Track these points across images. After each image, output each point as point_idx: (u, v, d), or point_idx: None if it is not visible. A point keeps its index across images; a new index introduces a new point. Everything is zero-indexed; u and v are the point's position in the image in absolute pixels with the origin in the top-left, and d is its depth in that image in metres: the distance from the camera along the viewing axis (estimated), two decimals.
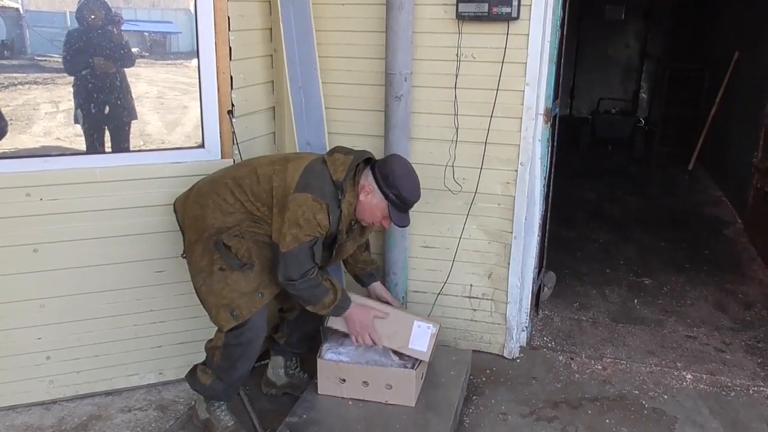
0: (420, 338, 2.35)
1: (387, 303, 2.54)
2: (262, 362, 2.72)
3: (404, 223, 2.29)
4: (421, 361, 2.40)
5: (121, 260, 2.58)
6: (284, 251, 2.12)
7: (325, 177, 2.16)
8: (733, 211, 5.28)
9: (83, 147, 2.65)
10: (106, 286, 2.58)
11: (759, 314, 3.55)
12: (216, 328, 2.30)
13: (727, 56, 5.91)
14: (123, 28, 2.67)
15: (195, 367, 2.41)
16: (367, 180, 2.22)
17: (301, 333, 2.64)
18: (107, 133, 2.72)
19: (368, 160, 2.28)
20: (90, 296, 2.58)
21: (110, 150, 2.69)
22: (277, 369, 2.70)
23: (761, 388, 2.84)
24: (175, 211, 2.38)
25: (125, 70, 2.69)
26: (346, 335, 2.43)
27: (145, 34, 2.86)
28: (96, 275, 2.56)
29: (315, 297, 2.24)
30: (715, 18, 6.82)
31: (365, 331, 2.35)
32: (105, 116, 2.67)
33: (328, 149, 2.85)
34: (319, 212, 2.11)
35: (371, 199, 2.22)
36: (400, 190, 2.20)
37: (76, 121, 2.65)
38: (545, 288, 3.55)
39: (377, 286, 2.61)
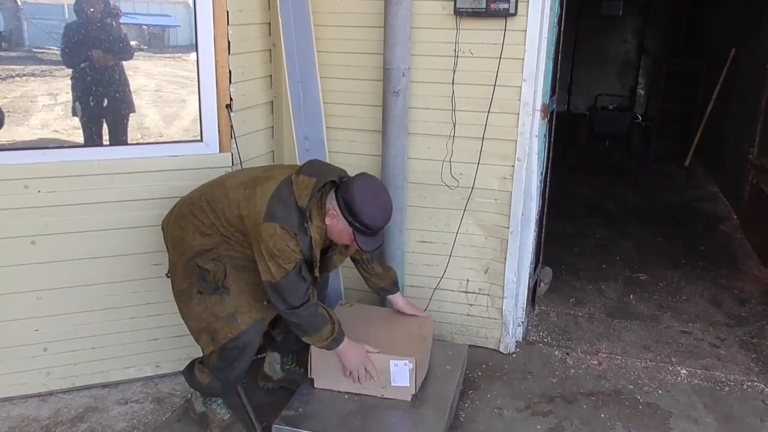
0: (400, 375, 2.34)
1: (412, 315, 2.59)
2: (259, 356, 2.73)
3: (373, 247, 2.21)
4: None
5: (119, 253, 2.58)
6: (275, 283, 2.11)
7: (290, 204, 2.10)
8: (729, 207, 5.30)
9: (81, 140, 2.65)
10: (103, 278, 2.59)
11: (754, 310, 3.57)
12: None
13: (724, 52, 5.92)
14: (121, 21, 2.67)
15: (192, 363, 2.41)
16: (332, 204, 2.14)
17: None
18: (105, 126, 2.72)
19: (334, 182, 2.19)
20: (87, 288, 2.58)
21: (108, 143, 2.69)
22: (273, 364, 2.70)
23: (755, 383, 2.86)
24: (162, 229, 2.37)
25: (123, 63, 2.69)
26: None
27: (143, 27, 2.85)
28: (93, 267, 2.57)
29: (315, 327, 2.20)
30: (712, 14, 6.82)
31: (362, 365, 2.30)
32: (103, 109, 2.67)
33: (325, 144, 2.87)
34: (290, 240, 2.08)
35: (337, 224, 2.14)
36: (363, 217, 2.09)
37: (74, 114, 2.64)
38: (541, 283, 3.57)
39: (397, 299, 2.61)
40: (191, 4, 2.52)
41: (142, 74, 2.84)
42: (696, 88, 6.72)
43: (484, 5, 2.55)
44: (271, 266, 2.09)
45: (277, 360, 2.70)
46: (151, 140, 2.75)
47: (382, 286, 2.57)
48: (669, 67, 6.96)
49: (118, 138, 2.73)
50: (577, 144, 7.41)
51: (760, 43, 4.90)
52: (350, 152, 2.93)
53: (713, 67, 6.29)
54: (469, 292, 2.98)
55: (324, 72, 2.83)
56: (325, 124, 2.85)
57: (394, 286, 2.60)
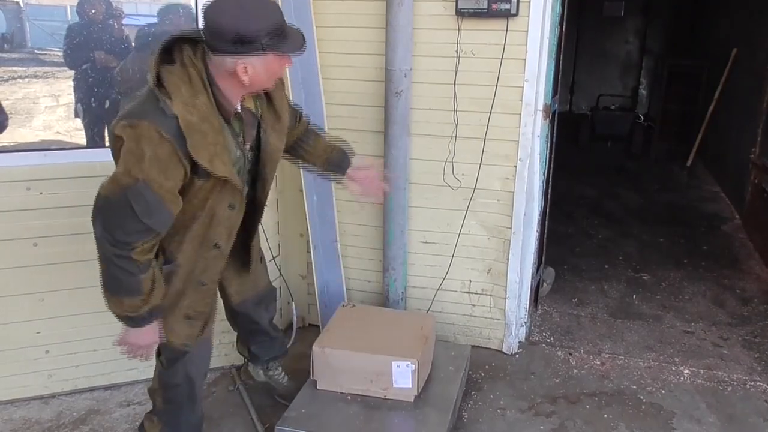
0: (402, 376, 2.33)
1: (368, 178, 2.21)
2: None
3: (297, 45, 1.70)
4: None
5: None
6: (102, 195, 1.67)
7: (139, 100, 1.65)
8: (731, 207, 5.29)
9: (83, 141, 2.66)
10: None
11: (756, 309, 3.56)
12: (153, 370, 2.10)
13: (726, 52, 5.91)
14: (124, 22, 2.67)
15: (142, 421, 2.21)
16: (225, 60, 1.62)
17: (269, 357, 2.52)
18: (107, 128, 2.72)
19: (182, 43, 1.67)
20: (89, 290, 2.55)
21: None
22: (256, 369, 2.59)
23: (758, 383, 2.86)
24: None
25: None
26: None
27: (146, 28, 2.85)
28: (95, 269, 2.51)
29: (120, 287, 1.72)
30: (714, 14, 6.82)
31: (146, 349, 1.86)
32: (105, 110, 2.67)
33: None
34: (142, 136, 1.59)
35: (255, 69, 1.65)
36: (263, 33, 1.60)
37: (76, 115, 2.65)
38: (544, 283, 3.56)
39: (353, 172, 2.21)
40: (193, 5, 2.52)
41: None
42: (698, 88, 6.71)
43: (485, 6, 2.55)
44: (114, 173, 1.62)
45: (258, 366, 2.58)
46: None
47: (332, 158, 2.18)
48: (671, 68, 6.95)
49: None
50: (579, 144, 7.41)
51: (761, 44, 4.90)
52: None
53: (715, 67, 6.28)
54: (472, 293, 2.98)
55: (326, 73, 2.83)
56: (327, 124, 2.85)
57: (346, 155, 2.20)
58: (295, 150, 2.18)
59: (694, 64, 6.83)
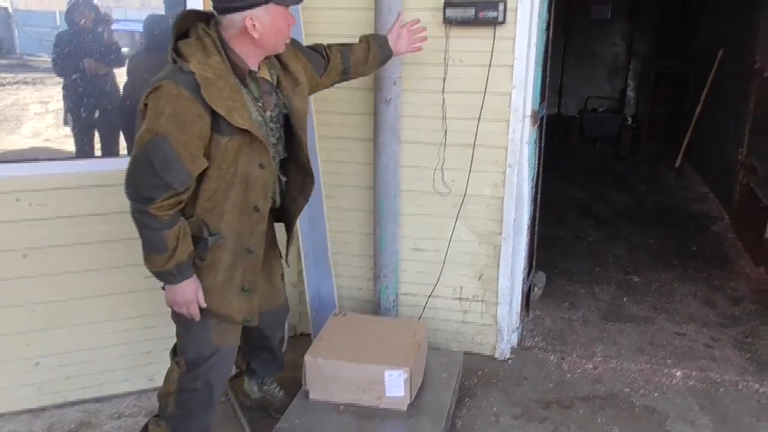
0: (395, 385, 2.33)
1: (400, 34, 2.40)
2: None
3: None
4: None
5: (111, 265, 2.56)
6: (135, 147, 1.77)
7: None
8: (719, 207, 5.34)
9: (72, 149, 2.64)
10: (96, 291, 2.57)
11: (746, 309, 3.59)
12: (165, 372, 2.15)
13: (712, 54, 5.97)
14: (113, 27, 2.65)
15: (146, 424, 2.22)
16: (232, 18, 1.76)
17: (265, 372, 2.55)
18: (97, 137, 2.71)
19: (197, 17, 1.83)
20: (80, 302, 2.57)
21: (100, 154, 2.68)
22: (251, 384, 2.58)
23: (750, 383, 2.88)
24: None
25: (115, 70, 2.67)
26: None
27: (135, 34, 2.84)
28: (86, 280, 2.55)
29: (149, 245, 1.82)
30: (700, 16, 6.88)
31: (186, 305, 1.93)
32: (95, 120, 2.66)
33: (317, 152, 2.87)
34: (162, 93, 1.71)
35: (263, 24, 1.78)
36: None
37: (66, 123, 2.63)
38: (535, 288, 3.58)
39: (391, 39, 2.39)
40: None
41: None
42: (685, 90, 6.77)
43: (473, 14, 2.56)
44: (139, 133, 1.72)
45: (253, 380, 2.58)
46: None
47: (377, 59, 2.36)
48: (658, 70, 7.01)
49: (110, 149, 2.72)
50: (569, 146, 7.45)
51: (746, 45, 4.95)
52: (342, 160, 2.93)
53: (701, 68, 6.34)
54: (464, 299, 2.99)
55: None
56: (317, 132, 2.85)
57: (384, 44, 2.37)
58: (346, 76, 2.31)
59: (680, 66, 6.89)
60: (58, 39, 2.57)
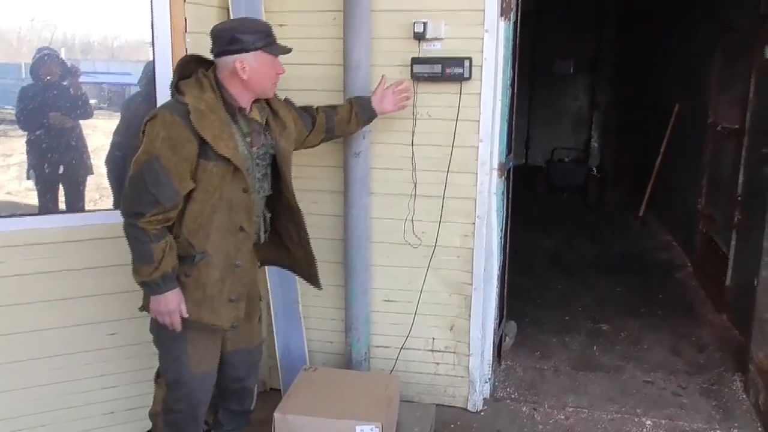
0: None
1: (385, 95, 2.56)
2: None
3: (285, 50, 2.10)
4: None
5: (73, 323, 2.50)
6: (131, 169, 1.96)
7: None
8: (683, 255, 5.46)
9: (35, 203, 2.59)
10: (57, 350, 2.49)
11: (711, 357, 3.64)
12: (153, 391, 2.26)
13: (670, 107, 6.22)
14: (81, 80, 2.65)
15: None
16: (225, 60, 2.01)
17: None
18: (61, 191, 2.67)
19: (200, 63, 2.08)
20: (39, 362, 2.48)
21: (64, 209, 2.64)
22: None
23: (718, 431, 2.89)
24: None
25: (82, 122, 2.65)
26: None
27: (103, 86, 2.84)
28: (46, 339, 2.47)
29: (138, 256, 1.98)
30: (658, 70, 7.20)
31: (169, 314, 2.04)
32: (59, 175, 2.63)
33: None
34: (158, 121, 1.95)
35: (252, 68, 2.01)
36: (252, 31, 2.03)
37: (29, 177, 2.59)
38: (506, 338, 3.58)
39: (376, 105, 2.55)
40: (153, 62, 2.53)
41: (101, 133, 2.80)
42: (646, 141, 7.01)
43: (440, 71, 2.65)
44: (135, 156, 1.93)
45: None
46: (109, 206, 2.71)
47: (353, 115, 2.51)
48: (620, 122, 7.26)
49: (75, 204, 2.69)
50: (537, 196, 7.60)
51: (700, 100, 5.18)
52: (313, 213, 2.93)
53: (661, 120, 6.59)
54: (436, 351, 2.97)
55: None
56: None
57: (367, 106, 2.54)
58: (330, 135, 2.52)
59: (641, 117, 7.15)
60: (23, 93, 2.55)
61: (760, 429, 2.90)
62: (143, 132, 1.95)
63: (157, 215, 1.93)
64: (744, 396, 3.19)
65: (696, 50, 5.31)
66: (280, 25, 2.78)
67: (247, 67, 2.01)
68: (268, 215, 2.28)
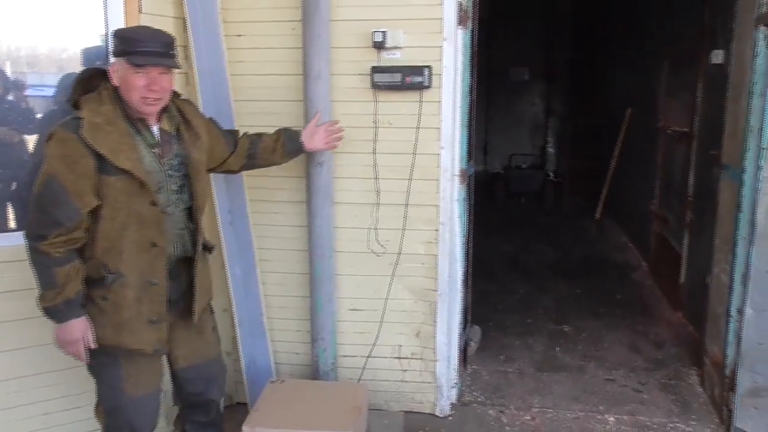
0: None
1: (316, 132, 2.55)
2: None
3: (145, 60, 1.91)
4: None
5: (29, 344, 2.41)
6: (33, 192, 1.92)
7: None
8: (638, 256, 5.61)
9: None
10: (13, 372, 2.41)
11: (669, 353, 3.75)
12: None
13: (622, 112, 6.42)
14: (27, 93, 2.57)
15: None
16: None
17: None
18: (11, 210, 2.57)
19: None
20: None
21: (14, 227, 2.54)
22: None
23: (677, 424, 2.99)
24: None
25: (30, 137, 2.56)
26: None
27: (52, 99, 2.76)
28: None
29: (41, 280, 1.91)
30: (610, 76, 7.42)
31: (74, 344, 1.98)
32: (9, 192, 2.54)
33: (249, 216, 2.85)
34: (53, 139, 1.90)
35: (119, 75, 1.93)
36: (124, 38, 1.93)
37: None
38: (471, 343, 3.62)
39: (305, 139, 2.53)
40: None
41: None
42: (600, 145, 7.21)
43: (399, 79, 2.67)
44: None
45: None
46: None
47: (286, 149, 2.49)
48: (574, 128, 7.45)
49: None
50: (495, 202, 7.71)
51: (651, 105, 5.37)
52: (275, 224, 2.92)
53: (613, 125, 6.78)
54: (402, 358, 2.98)
55: None
56: (249, 196, 2.85)
57: (295, 138, 2.51)
58: (253, 162, 2.46)
59: (595, 123, 7.35)
60: None
61: (716, 420, 3.01)
62: (44, 155, 1.88)
63: (59, 236, 1.86)
64: (701, 389, 3.30)
65: (646, 57, 5.49)
66: (238, 36, 2.78)
67: (115, 75, 1.94)
68: (192, 227, 2.14)
